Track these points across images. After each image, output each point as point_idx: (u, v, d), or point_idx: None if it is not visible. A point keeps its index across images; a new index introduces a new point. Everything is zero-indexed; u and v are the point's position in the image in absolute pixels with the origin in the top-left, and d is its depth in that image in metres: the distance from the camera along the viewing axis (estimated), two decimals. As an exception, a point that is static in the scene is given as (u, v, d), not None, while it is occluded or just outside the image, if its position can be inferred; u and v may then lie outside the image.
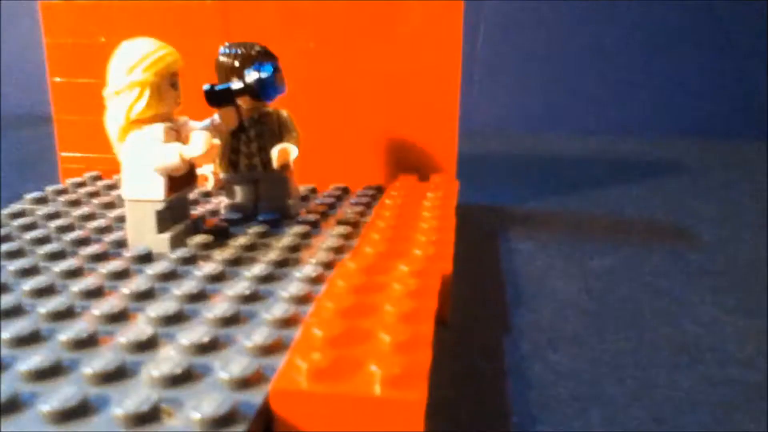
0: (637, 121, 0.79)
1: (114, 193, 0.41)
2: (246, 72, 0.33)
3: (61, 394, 0.19)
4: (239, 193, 0.37)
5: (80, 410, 0.19)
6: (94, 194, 0.41)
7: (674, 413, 0.23)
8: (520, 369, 0.26)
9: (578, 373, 0.26)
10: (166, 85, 0.30)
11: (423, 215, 0.35)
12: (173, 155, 0.30)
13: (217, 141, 0.31)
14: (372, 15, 0.43)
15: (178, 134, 0.31)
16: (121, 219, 0.35)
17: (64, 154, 0.48)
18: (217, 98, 0.33)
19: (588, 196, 0.53)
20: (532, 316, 0.31)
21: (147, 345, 0.22)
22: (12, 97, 0.87)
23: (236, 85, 0.33)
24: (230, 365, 0.20)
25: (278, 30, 0.44)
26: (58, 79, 0.47)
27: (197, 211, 0.38)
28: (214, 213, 0.38)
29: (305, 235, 0.34)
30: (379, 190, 0.44)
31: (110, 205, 0.39)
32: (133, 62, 0.30)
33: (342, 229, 0.34)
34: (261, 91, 0.33)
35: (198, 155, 0.30)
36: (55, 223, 0.35)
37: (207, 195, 0.41)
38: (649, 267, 0.37)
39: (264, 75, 0.33)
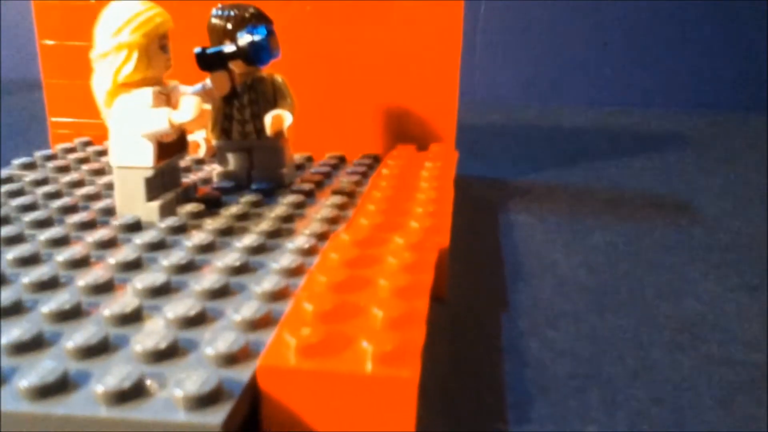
0: (640, 93, 0.78)
1: (104, 159, 0.40)
2: (239, 35, 0.32)
3: (40, 369, 0.18)
4: (232, 161, 0.36)
5: (60, 386, 0.18)
6: (83, 160, 0.40)
7: (674, 394, 0.22)
8: (517, 346, 0.25)
9: (576, 351, 0.25)
10: (155, 48, 0.29)
11: (420, 186, 0.34)
12: (162, 121, 0.29)
13: (207, 107, 0.30)
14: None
15: (168, 99, 0.30)
16: (111, 186, 0.34)
17: (54, 119, 0.47)
18: (209, 62, 0.32)
19: (589, 169, 0.52)
20: (530, 292, 0.30)
21: (132, 318, 0.22)
22: (6, 61, 0.85)
23: (228, 48, 0.32)
24: (217, 340, 0.20)
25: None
26: (47, 42, 0.45)
27: (189, 179, 0.37)
28: (207, 181, 0.37)
29: (299, 205, 0.33)
30: (377, 160, 0.43)
31: (100, 172, 0.38)
32: (120, 23, 0.29)
33: (337, 200, 0.33)
34: (254, 55, 0.32)
35: (188, 121, 0.29)
36: (42, 190, 0.34)
37: (200, 162, 0.40)
38: (651, 242, 0.36)
39: (257, 38, 0.31)
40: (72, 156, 0.40)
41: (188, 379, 0.18)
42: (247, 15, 0.33)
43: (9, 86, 0.79)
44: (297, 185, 0.35)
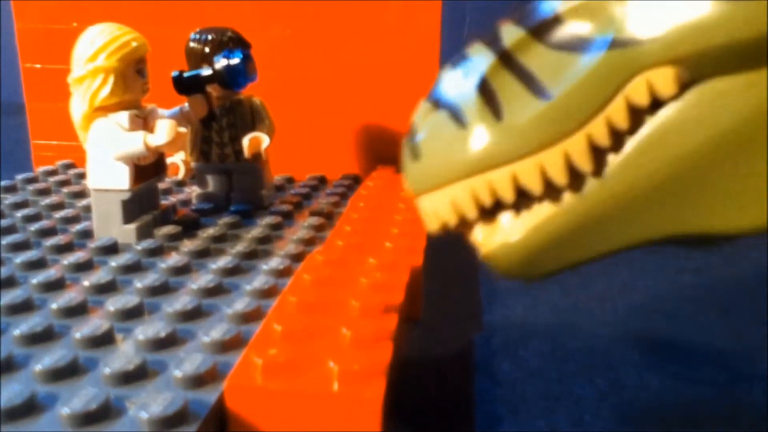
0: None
1: (85, 182, 0.40)
2: (215, 59, 0.33)
3: (7, 392, 0.18)
4: (212, 183, 0.36)
5: (27, 409, 0.18)
6: (64, 183, 0.40)
7: (641, 413, 0.23)
8: (489, 366, 0.25)
9: (547, 371, 0.25)
10: (132, 72, 0.30)
11: (398, 207, 0.35)
12: (137, 143, 0.29)
13: (184, 129, 0.30)
14: (351, 1, 0.43)
15: (145, 122, 0.31)
16: (90, 209, 0.34)
17: (36, 141, 0.47)
18: (186, 86, 0.32)
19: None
20: (504, 312, 0.30)
21: (102, 340, 0.22)
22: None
23: (205, 72, 0.32)
24: (185, 362, 0.20)
25: (255, 16, 0.43)
26: (29, 65, 0.46)
27: (169, 200, 0.37)
28: (186, 203, 0.37)
29: (276, 227, 0.33)
30: (357, 181, 0.43)
31: (80, 195, 0.38)
32: (96, 48, 0.29)
33: (314, 221, 0.33)
34: (230, 78, 0.32)
35: (163, 144, 0.29)
36: (21, 213, 0.34)
37: (180, 185, 0.41)
38: (626, 264, 0.36)
39: (233, 62, 0.32)
40: (53, 179, 0.41)
41: (154, 401, 0.18)
42: (224, 39, 0.34)
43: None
44: (276, 206, 0.36)
